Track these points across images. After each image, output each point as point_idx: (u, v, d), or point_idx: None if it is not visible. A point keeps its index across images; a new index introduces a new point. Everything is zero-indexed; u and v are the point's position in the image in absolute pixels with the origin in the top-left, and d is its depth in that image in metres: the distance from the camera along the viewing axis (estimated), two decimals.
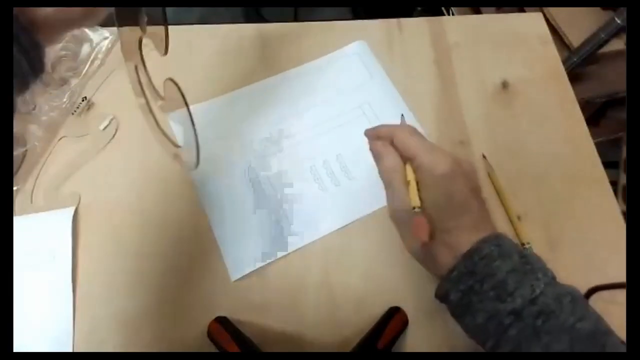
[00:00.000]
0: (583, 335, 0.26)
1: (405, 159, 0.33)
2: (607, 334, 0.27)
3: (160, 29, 0.54)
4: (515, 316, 0.27)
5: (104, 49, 0.53)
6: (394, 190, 0.33)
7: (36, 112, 0.48)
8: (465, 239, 0.30)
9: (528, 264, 0.29)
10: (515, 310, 0.27)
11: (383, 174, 0.34)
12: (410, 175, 0.33)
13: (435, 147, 0.33)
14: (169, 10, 0.32)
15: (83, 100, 0.49)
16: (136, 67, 0.35)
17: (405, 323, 0.39)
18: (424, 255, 0.32)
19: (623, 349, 0.26)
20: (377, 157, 0.35)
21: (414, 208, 0.31)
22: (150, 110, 0.37)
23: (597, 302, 0.39)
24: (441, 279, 0.31)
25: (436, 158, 0.32)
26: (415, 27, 0.56)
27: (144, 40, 0.37)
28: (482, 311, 0.28)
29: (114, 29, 0.54)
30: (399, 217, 0.33)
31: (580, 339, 0.26)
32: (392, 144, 0.34)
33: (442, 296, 0.32)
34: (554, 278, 0.29)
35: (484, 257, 0.29)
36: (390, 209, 0.34)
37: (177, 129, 0.37)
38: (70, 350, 0.38)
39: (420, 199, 0.31)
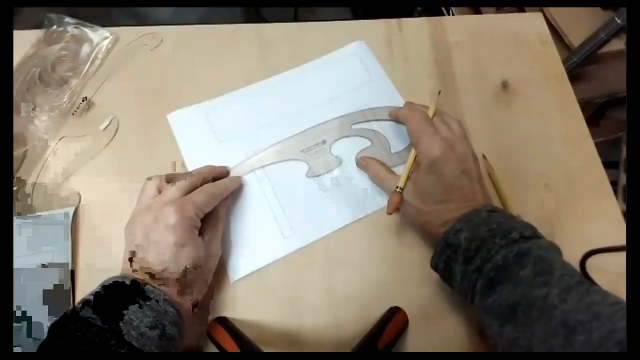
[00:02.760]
0: (525, 280, 0.31)
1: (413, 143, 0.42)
2: (548, 271, 0.31)
3: (160, 28, 0.55)
4: (478, 273, 0.34)
5: (104, 49, 0.53)
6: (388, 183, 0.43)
7: (36, 112, 0.48)
8: (450, 216, 0.37)
9: (490, 232, 0.35)
10: (478, 269, 0.34)
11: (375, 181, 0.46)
12: (410, 159, 0.42)
13: (437, 131, 0.41)
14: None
15: (83, 100, 0.49)
16: None
17: (405, 323, 0.39)
18: (422, 222, 0.41)
19: (570, 278, 0.31)
20: (364, 168, 0.46)
21: (396, 187, 0.41)
22: None
23: None
24: (433, 254, 0.38)
25: (432, 143, 0.40)
26: (415, 27, 0.56)
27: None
28: (458, 273, 0.35)
29: (114, 28, 0.55)
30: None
31: (522, 283, 0.31)
32: None
33: (434, 267, 0.38)
34: (517, 238, 0.34)
35: (456, 232, 0.36)
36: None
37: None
38: None
39: (417, 178, 0.40)
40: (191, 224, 0.36)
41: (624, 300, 0.29)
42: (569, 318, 0.28)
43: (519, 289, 0.31)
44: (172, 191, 0.38)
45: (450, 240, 0.36)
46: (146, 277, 0.34)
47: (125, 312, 0.31)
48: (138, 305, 0.32)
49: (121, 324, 0.31)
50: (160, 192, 0.39)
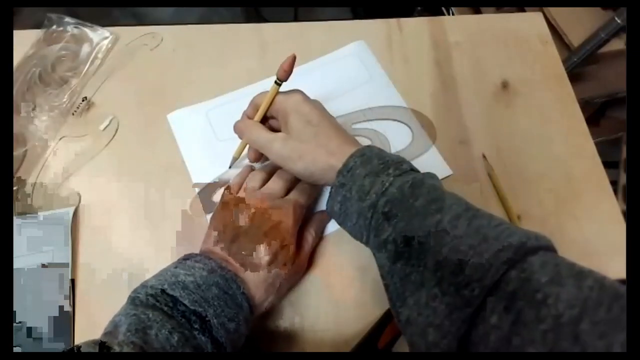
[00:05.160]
0: (419, 210, 0.31)
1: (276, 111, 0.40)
2: (440, 199, 0.31)
3: (160, 28, 0.55)
4: (373, 209, 0.33)
5: (104, 48, 0.53)
6: (268, 141, 0.38)
7: (36, 112, 0.48)
8: (331, 144, 0.36)
9: (383, 164, 0.34)
10: (373, 204, 0.33)
11: (252, 143, 0.41)
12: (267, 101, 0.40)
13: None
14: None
15: (83, 100, 0.49)
16: None
17: None
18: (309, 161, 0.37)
19: (457, 207, 0.31)
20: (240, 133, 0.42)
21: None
22: None
23: None
24: (328, 197, 0.36)
25: (289, 93, 0.39)
26: (415, 27, 0.56)
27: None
28: (354, 213, 0.34)
29: (114, 28, 0.55)
30: (286, 154, 0.38)
31: (418, 214, 0.31)
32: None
33: (330, 211, 0.37)
34: (408, 170, 0.34)
35: (350, 169, 0.34)
36: (279, 159, 0.38)
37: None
38: None
39: (288, 126, 0.38)
40: (298, 229, 0.39)
41: (507, 222, 0.30)
42: (460, 243, 0.28)
43: (415, 220, 0.31)
44: (280, 185, 0.40)
45: (344, 179, 0.34)
46: (237, 267, 0.35)
47: (210, 297, 0.32)
48: (223, 291, 0.33)
49: (208, 308, 0.31)
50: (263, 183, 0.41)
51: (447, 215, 0.30)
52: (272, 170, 0.43)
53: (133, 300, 0.32)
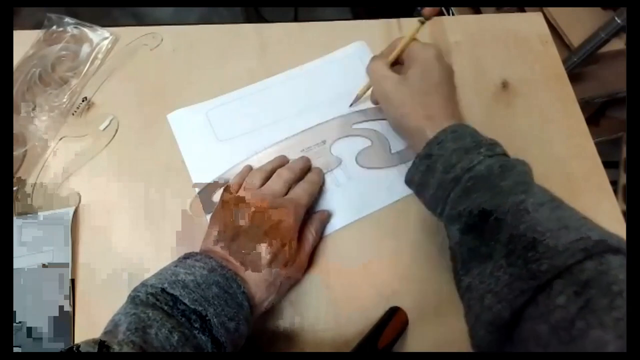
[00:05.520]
0: (505, 190, 0.31)
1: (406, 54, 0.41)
2: (528, 183, 0.32)
3: (160, 28, 0.55)
4: (455, 182, 0.33)
5: (104, 49, 0.53)
6: (385, 77, 0.40)
7: (36, 112, 0.48)
8: (434, 111, 0.37)
9: (475, 143, 0.34)
10: (456, 177, 0.33)
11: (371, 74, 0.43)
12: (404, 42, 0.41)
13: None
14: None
15: (83, 100, 0.49)
16: None
17: (405, 323, 0.39)
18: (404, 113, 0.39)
19: (543, 196, 0.31)
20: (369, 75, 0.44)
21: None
22: None
23: None
24: (410, 167, 0.38)
25: (427, 44, 0.41)
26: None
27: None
28: (434, 183, 0.35)
29: (114, 29, 0.54)
30: (391, 91, 0.40)
31: (502, 192, 0.31)
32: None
33: (409, 180, 0.38)
34: (500, 154, 0.34)
35: (440, 142, 0.35)
36: (385, 98, 0.41)
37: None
38: None
39: (407, 74, 0.39)
40: (298, 228, 0.39)
41: (590, 219, 0.30)
42: (539, 224, 0.28)
43: (498, 197, 0.31)
44: (280, 184, 0.40)
45: (432, 151, 0.35)
46: (237, 266, 0.35)
47: (210, 296, 0.32)
48: (223, 291, 0.32)
49: (208, 307, 0.31)
50: (263, 182, 0.41)
51: (531, 198, 0.30)
52: (272, 170, 0.43)
53: (133, 299, 0.32)
